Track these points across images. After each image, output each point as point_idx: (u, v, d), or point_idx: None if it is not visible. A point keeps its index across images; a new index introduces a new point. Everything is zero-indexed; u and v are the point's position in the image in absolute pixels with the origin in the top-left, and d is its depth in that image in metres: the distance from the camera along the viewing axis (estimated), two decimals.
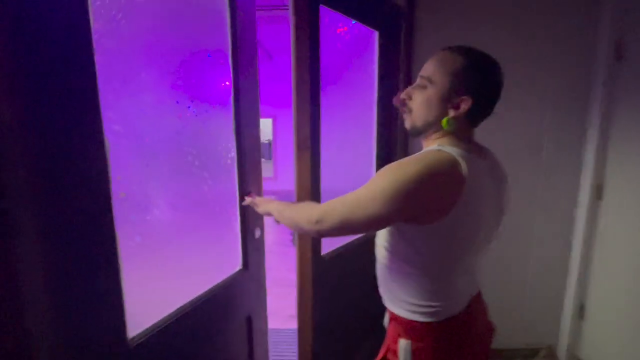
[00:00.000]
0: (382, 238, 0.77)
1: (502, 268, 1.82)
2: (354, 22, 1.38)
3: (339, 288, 1.40)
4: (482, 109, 0.70)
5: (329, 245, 1.35)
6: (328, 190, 1.28)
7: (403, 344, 0.75)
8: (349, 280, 1.45)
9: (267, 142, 8.43)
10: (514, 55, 1.62)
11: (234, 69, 1.00)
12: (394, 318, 0.79)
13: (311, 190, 1.20)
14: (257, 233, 1.15)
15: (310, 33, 1.08)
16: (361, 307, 1.50)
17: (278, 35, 4.53)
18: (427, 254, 0.70)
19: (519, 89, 1.65)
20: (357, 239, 1.49)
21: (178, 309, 0.86)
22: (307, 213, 0.75)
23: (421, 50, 1.57)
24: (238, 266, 1.10)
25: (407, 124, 0.76)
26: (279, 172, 7.55)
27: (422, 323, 0.73)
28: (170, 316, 0.83)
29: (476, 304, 0.80)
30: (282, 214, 0.86)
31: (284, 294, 2.78)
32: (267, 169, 8.84)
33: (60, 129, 0.56)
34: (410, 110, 0.74)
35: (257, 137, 1.15)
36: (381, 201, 0.63)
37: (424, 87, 0.71)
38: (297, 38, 1.07)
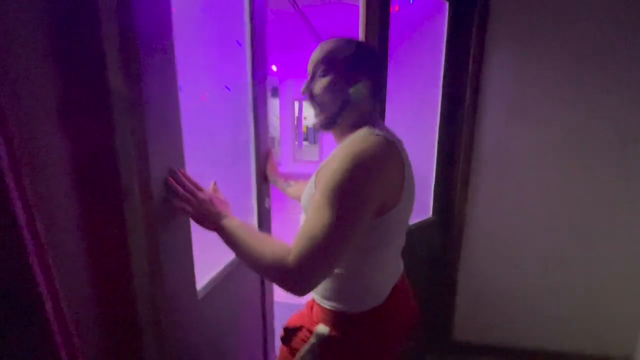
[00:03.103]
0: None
1: (582, 270, 1.67)
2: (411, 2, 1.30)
3: None
4: (377, 89, 0.73)
5: None
6: None
7: (321, 329, 0.71)
8: None
9: (312, 126, 8.42)
10: (608, 43, 1.41)
11: (252, 58, 1.01)
12: (316, 306, 0.76)
13: None
14: (267, 202, 1.18)
15: (380, 14, 1.03)
16: None
17: (327, 17, 4.44)
18: (367, 248, 0.66)
19: (609, 79, 1.44)
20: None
21: (222, 269, 0.93)
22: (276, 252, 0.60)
23: (496, 36, 1.39)
24: None
25: (317, 119, 0.74)
26: (324, 155, 7.59)
27: (346, 314, 0.70)
28: (218, 274, 0.91)
29: (401, 287, 0.78)
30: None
31: None
32: (313, 152, 8.84)
33: (157, 123, 0.61)
34: (318, 103, 0.73)
35: (266, 121, 1.15)
36: (359, 210, 0.57)
37: (322, 76, 0.70)
38: (367, 19, 1.03)
